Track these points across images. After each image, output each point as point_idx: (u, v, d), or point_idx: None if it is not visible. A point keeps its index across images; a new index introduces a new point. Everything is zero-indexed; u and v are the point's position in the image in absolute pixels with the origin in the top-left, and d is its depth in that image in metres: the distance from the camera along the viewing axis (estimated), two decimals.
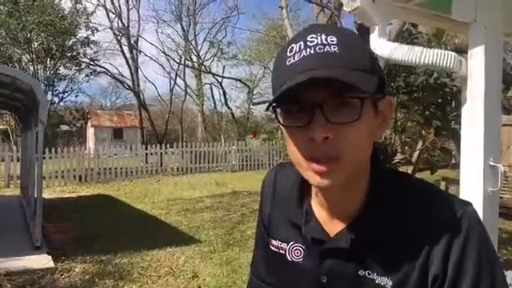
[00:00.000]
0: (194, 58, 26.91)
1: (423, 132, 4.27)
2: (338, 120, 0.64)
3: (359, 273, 0.72)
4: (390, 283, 0.70)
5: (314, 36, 0.65)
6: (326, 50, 0.64)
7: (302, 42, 0.66)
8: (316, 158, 0.66)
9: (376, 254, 0.71)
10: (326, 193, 0.75)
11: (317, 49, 0.64)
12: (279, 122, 0.69)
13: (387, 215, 0.71)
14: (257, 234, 0.97)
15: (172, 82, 26.12)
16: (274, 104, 0.67)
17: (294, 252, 0.80)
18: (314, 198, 0.79)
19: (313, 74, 0.62)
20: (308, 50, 0.64)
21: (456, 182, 2.41)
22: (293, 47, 0.67)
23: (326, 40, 0.65)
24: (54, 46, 20.21)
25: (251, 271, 0.99)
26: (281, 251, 0.82)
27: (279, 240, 0.83)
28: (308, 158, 0.67)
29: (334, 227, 0.75)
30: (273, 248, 0.85)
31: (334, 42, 0.64)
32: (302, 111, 0.65)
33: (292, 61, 0.65)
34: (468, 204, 0.71)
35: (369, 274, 0.71)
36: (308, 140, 0.65)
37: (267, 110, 0.68)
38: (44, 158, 11.15)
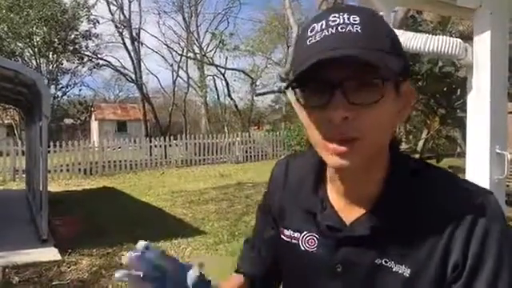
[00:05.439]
0: (197, 50, 26.88)
1: (428, 121, 4.24)
2: (358, 100, 0.62)
3: (376, 261, 0.70)
4: (409, 271, 0.68)
5: (336, 15, 0.64)
6: (348, 29, 0.62)
7: (323, 22, 0.64)
8: (335, 139, 0.65)
9: (394, 241, 0.69)
10: (343, 177, 0.74)
11: (339, 28, 0.63)
12: (299, 101, 0.68)
13: (407, 202, 0.69)
14: (258, 225, 0.96)
15: (174, 74, 26.12)
16: (294, 84, 0.66)
17: (307, 241, 0.78)
18: (330, 184, 0.78)
19: (333, 54, 0.60)
20: (330, 29, 0.63)
21: (462, 170, 2.40)
22: (314, 27, 0.65)
23: (349, 19, 0.63)
24: (56, 40, 20.20)
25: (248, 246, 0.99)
26: (293, 241, 0.81)
27: (291, 230, 0.82)
28: (327, 139, 0.66)
29: (350, 215, 0.74)
30: (285, 238, 0.83)
31: (357, 22, 0.63)
32: (321, 91, 0.64)
33: (313, 40, 0.64)
34: (489, 192, 0.70)
35: (386, 262, 0.70)
36: (327, 120, 0.64)
37: (287, 88, 0.67)
38: (49, 151, 11.19)
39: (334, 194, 0.77)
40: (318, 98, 0.65)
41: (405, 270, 0.68)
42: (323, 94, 0.64)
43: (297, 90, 0.67)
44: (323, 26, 0.64)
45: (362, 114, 0.63)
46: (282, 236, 0.84)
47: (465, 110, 2.32)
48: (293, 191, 0.84)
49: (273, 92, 25.45)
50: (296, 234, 0.81)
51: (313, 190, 0.79)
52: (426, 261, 0.68)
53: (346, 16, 0.63)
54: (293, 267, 0.83)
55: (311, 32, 0.65)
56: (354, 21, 0.63)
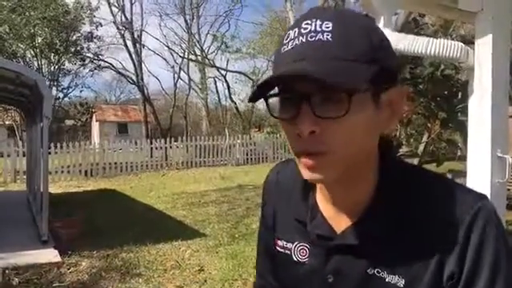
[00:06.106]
0: (198, 52, 26.90)
1: (429, 124, 4.24)
2: (325, 114, 0.60)
3: (368, 271, 0.69)
4: (403, 281, 0.67)
5: (309, 22, 0.62)
6: (317, 38, 0.61)
7: (296, 29, 0.63)
8: (304, 152, 0.64)
9: (387, 250, 0.68)
10: (327, 187, 0.72)
11: (308, 37, 0.61)
12: (270, 112, 0.68)
13: (399, 210, 0.68)
14: (259, 239, 0.93)
15: (176, 75, 26.17)
16: (261, 96, 0.65)
17: (299, 252, 0.77)
18: (319, 192, 0.76)
19: (290, 69, 0.60)
20: (300, 38, 0.62)
21: (462, 174, 2.40)
22: (289, 34, 0.64)
23: (321, 27, 0.61)
24: (57, 41, 20.23)
25: (256, 279, 0.96)
26: (286, 251, 0.80)
27: (284, 240, 0.81)
28: (296, 152, 0.65)
29: (340, 223, 0.72)
30: (278, 249, 0.82)
31: (329, 29, 0.61)
32: (290, 103, 0.63)
33: (286, 49, 0.63)
34: (484, 197, 0.68)
35: (378, 272, 0.68)
36: (296, 134, 0.63)
37: (252, 101, 0.66)
38: (49, 153, 11.20)
39: (323, 201, 0.75)
40: (287, 110, 0.64)
41: (398, 280, 0.67)
42: (291, 107, 0.63)
43: (268, 101, 0.66)
44: (296, 34, 0.63)
45: (329, 127, 0.61)
46: (277, 247, 0.82)
47: (466, 114, 2.32)
48: (284, 200, 0.83)
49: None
50: (288, 245, 0.79)
51: (302, 198, 0.78)
52: (420, 271, 0.66)
53: (318, 23, 0.62)
54: (286, 278, 0.82)
55: (286, 39, 0.64)
56: (326, 28, 0.61)
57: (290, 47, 0.63)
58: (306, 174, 0.65)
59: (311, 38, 0.61)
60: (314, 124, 0.61)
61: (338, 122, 0.61)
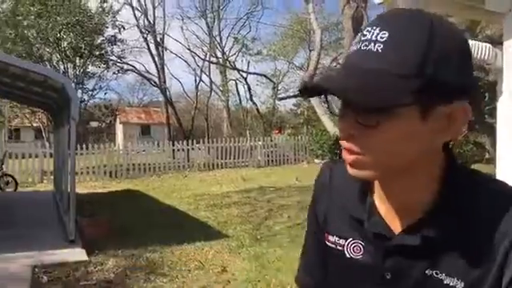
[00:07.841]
0: (219, 54, 27.10)
1: None
2: (363, 121, 0.64)
3: (426, 272, 0.69)
4: (462, 285, 0.67)
5: (369, 29, 0.65)
6: (368, 48, 0.63)
7: (360, 34, 0.66)
8: (345, 148, 0.69)
9: (447, 253, 0.68)
10: (384, 188, 0.74)
11: (362, 46, 0.64)
12: (328, 107, 0.73)
13: (461, 214, 0.68)
14: (308, 234, 0.93)
15: (197, 78, 26.41)
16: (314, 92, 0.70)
17: (353, 248, 0.78)
18: (377, 191, 0.77)
19: (316, 82, 0.66)
20: (357, 45, 0.65)
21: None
22: (357, 36, 0.68)
23: (377, 36, 0.63)
24: (82, 45, 20.68)
25: (300, 274, 0.95)
26: (338, 247, 0.80)
27: (336, 236, 0.81)
28: (343, 147, 0.70)
29: (398, 223, 0.73)
30: (329, 244, 0.82)
31: (383, 40, 0.62)
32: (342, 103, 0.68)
33: (345, 53, 0.68)
34: None
35: (436, 273, 0.69)
36: (340, 130, 0.69)
37: (306, 95, 0.73)
38: (76, 154, 11.46)
39: (381, 201, 0.76)
40: (339, 109, 0.69)
41: (457, 283, 0.67)
42: (341, 107, 0.67)
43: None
44: (357, 39, 0.66)
45: (367, 133, 0.64)
46: (327, 242, 0.83)
47: (494, 116, 2.28)
48: (338, 197, 0.84)
49: (294, 96, 25.42)
50: (341, 241, 0.80)
51: (359, 196, 0.79)
52: (480, 275, 0.66)
53: (376, 31, 0.63)
54: (337, 273, 0.83)
55: (353, 41, 0.68)
56: (381, 38, 0.62)
57: (350, 51, 0.67)
58: (348, 169, 0.70)
59: (364, 47, 0.64)
60: (352, 128, 0.65)
61: (374, 129, 0.63)
